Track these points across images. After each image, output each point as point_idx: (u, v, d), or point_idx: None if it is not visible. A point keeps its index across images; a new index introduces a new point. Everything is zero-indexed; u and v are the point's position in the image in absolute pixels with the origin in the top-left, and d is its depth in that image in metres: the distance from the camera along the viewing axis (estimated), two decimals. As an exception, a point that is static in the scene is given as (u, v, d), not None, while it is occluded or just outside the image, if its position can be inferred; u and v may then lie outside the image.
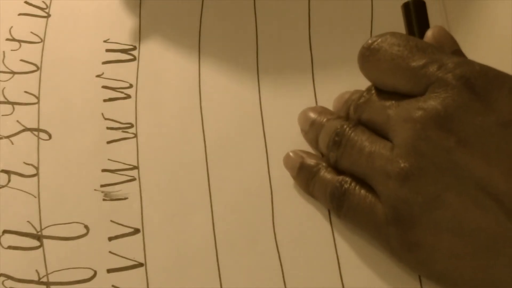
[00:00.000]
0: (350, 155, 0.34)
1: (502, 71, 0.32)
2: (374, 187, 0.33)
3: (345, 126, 0.34)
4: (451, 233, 0.30)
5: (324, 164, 0.36)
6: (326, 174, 0.35)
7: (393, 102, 0.33)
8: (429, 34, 0.35)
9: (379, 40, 0.34)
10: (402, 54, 0.33)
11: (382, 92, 0.34)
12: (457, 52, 0.35)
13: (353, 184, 0.34)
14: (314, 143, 0.37)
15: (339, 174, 0.35)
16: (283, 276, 0.35)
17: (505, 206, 0.29)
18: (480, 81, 0.31)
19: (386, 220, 0.32)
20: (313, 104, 0.39)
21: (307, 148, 0.38)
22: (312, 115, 0.37)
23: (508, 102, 0.30)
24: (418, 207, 0.31)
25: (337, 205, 0.35)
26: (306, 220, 0.36)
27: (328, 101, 0.38)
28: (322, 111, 0.37)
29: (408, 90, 0.32)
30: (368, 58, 0.34)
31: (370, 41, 0.34)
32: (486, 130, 0.30)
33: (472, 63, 0.32)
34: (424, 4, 0.37)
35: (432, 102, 0.31)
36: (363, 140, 0.33)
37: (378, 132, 0.34)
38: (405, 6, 0.37)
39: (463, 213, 0.30)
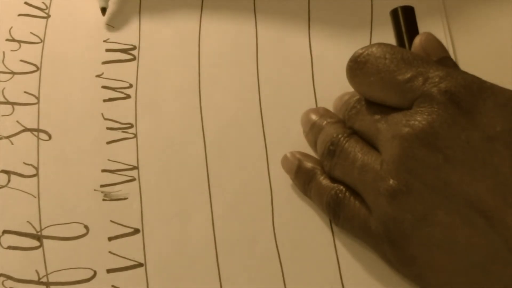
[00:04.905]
0: (343, 166, 0.34)
1: (488, 82, 0.32)
2: (365, 200, 0.33)
3: (339, 136, 0.35)
4: (443, 250, 0.31)
5: (320, 168, 0.36)
6: (322, 180, 0.35)
7: (382, 115, 0.33)
8: (416, 41, 0.35)
9: (366, 52, 0.34)
10: (388, 67, 0.33)
11: (372, 103, 0.34)
12: (446, 59, 0.35)
13: (347, 194, 0.34)
14: (313, 145, 0.37)
15: (334, 181, 0.35)
16: (283, 276, 0.35)
17: (493, 222, 0.29)
18: (465, 95, 0.31)
19: (380, 235, 0.32)
20: (313, 105, 0.39)
21: (307, 148, 0.38)
22: (313, 117, 0.37)
23: (493, 115, 0.31)
24: (408, 224, 0.31)
25: (334, 215, 0.35)
26: (306, 220, 0.36)
27: (328, 101, 0.38)
28: (323, 113, 0.37)
29: (395, 103, 0.33)
30: (356, 71, 0.34)
31: (356, 54, 0.34)
32: (472, 145, 0.30)
33: (456, 76, 0.31)
34: (412, 10, 0.36)
35: (418, 118, 0.31)
36: (356, 151, 0.34)
37: (370, 142, 0.34)
38: (394, 13, 0.37)
39: (453, 231, 0.30)
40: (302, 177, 0.36)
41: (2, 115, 0.40)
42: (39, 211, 0.37)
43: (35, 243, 0.36)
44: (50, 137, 0.39)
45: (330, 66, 0.40)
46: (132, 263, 0.36)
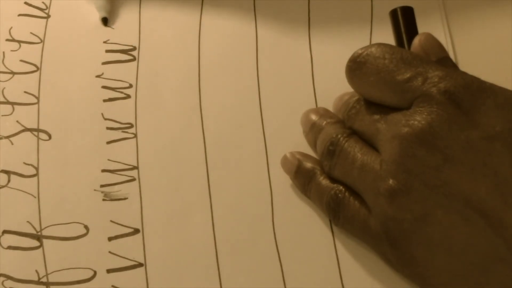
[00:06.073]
0: (343, 166, 0.34)
1: (487, 82, 0.32)
2: (365, 200, 0.33)
3: (339, 136, 0.35)
4: (442, 249, 0.30)
5: (319, 168, 0.36)
6: (322, 181, 0.35)
7: (382, 115, 0.33)
8: (415, 42, 0.35)
9: (365, 53, 0.34)
10: (388, 67, 0.33)
11: (371, 103, 0.34)
12: (445, 60, 0.35)
13: (347, 194, 0.34)
14: (313, 145, 0.37)
15: (334, 181, 0.35)
16: (283, 276, 0.35)
17: (493, 222, 0.29)
18: (464, 95, 0.31)
19: (379, 236, 0.32)
20: (313, 105, 0.39)
21: (307, 148, 0.38)
22: (313, 117, 0.37)
23: (492, 115, 0.31)
24: (408, 224, 0.31)
25: (334, 216, 0.35)
26: (306, 220, 0.36)
27: (328, 101, 0.38)
28: (323, 113, 0.37)
29: (395, 103, 0.33)
30: (355, 72, 0.34)
31: (355, 54, 0.34)
32: (472, 145, 0.30)
33: (456, 76, 0.32)
34: (412, 10, 0.37)
35: (417, 118, 0.31)
36: (356, 151, 0.34)
37: (369, 142, 0.34)
38: (393, 13, 0.37)
39: (452, 230, 0.30)
40: (302, 177, 0.36)
41: (2, 115, 0.40)
42: (39, 211, 0.37)
43: (35, 243, 0.36)
44: (50, 137, 0.39)
45: (330, 66, 0.40)
46: (132, 263, 0.36)
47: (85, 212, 0.37)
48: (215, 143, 0.39)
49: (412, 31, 0.36)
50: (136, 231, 0.37)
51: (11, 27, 0.43)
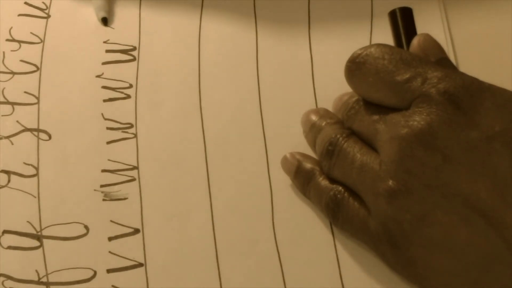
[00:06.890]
0: (342, 166, 0.34)
1: (486, 82, 0.32)
2: (364, 201, 0.33)
3: (338, 136, 0.35)
4: (442, 250, 0.30)
5: (319, 169, 0.36)
6: (321, 181, 0.35)
7: (381, 116, 0.33)
8: (414, 42, 0.35)
9: (364, 53, 0.34)
10: (387, 68, 0.33)
11: (371, 104, 0.34)
12: (444, 60, 0.35)
13: (346, 194, 0.34)
14: (313, 145, 0.37)
15: (333, 182, 0.35)
16: (283, 276, 0.35)
17: (492, 222, 0.29)
18: (463, 95, 0.31)
19: (378, 236, 0.32)
20: (313, 105, 0.39)
21: (307, 148, 0.38)
22: (313, 117, 0.37)
23: (491, 115, 0.31)
24: (408, 224, 0.31)
25: (333, 216, 0.35)
26: (306, 220, 0.36)
27: (328, 101, 0.38)
28: (323, 114, 0.37)
29: (394, 104, 0.33)
30: (354, 72, 0.34)
31: (355, 55, 0.34)
32: (471, 145, 0.30)
33: (455, 77, 0.32)
34: (411, 11, 0.37)
35: (416, 118, 0.31)
36: (355, 151, 0.33)
37: (369, 143, 0.34)
38: (392, 14, 0.37)
39: (452, 231, 0.30)
40: (301, 178, 0.36)
41: (2, 115, 0.40)
42: (39, 211, 0.37)
43: (35, 243, 0.36)
44: (50, 137, 0.39)
45: (330, 66, 0.40)
46: (132, 263, 0.36)
47: (85, 212, 0.37)
48: (215, 143, 0.39)
49: (411, 32, 0.36)
50: (136, 231, 0.37)
51: (11, 27, 0.43)
